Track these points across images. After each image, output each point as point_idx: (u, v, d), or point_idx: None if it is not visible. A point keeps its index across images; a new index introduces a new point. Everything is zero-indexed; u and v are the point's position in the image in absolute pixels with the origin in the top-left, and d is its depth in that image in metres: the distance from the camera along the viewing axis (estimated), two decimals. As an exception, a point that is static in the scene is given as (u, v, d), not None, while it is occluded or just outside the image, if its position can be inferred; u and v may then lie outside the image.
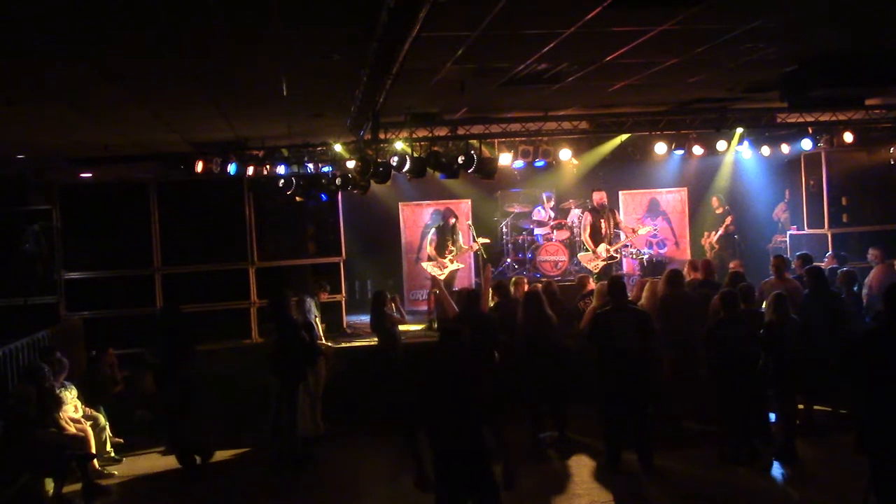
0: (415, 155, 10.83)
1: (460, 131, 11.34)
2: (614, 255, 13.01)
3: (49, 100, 8.22)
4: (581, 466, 8.21)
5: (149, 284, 12.01)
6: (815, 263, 10.08)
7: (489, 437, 5.24)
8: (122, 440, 9.26)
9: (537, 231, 14.73)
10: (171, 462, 9.06)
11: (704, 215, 15.48)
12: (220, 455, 9.34)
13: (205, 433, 9.00)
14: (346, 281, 13.23)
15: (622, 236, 13.79)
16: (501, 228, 14.95)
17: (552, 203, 15.00)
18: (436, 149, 11.00)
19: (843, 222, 13.44)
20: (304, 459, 8.80)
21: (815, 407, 9.14)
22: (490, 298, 10.14)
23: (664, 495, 7.51)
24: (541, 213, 14.91)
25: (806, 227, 13.90)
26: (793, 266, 10.76)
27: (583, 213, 13.94)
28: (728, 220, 14.39)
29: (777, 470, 7.93)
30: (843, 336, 8.67)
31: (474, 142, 11.01)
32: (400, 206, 14.82)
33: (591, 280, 11.17)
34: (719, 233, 14.21)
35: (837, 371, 5.83)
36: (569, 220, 14.80)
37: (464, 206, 14.61)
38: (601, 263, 12.73)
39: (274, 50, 6.69)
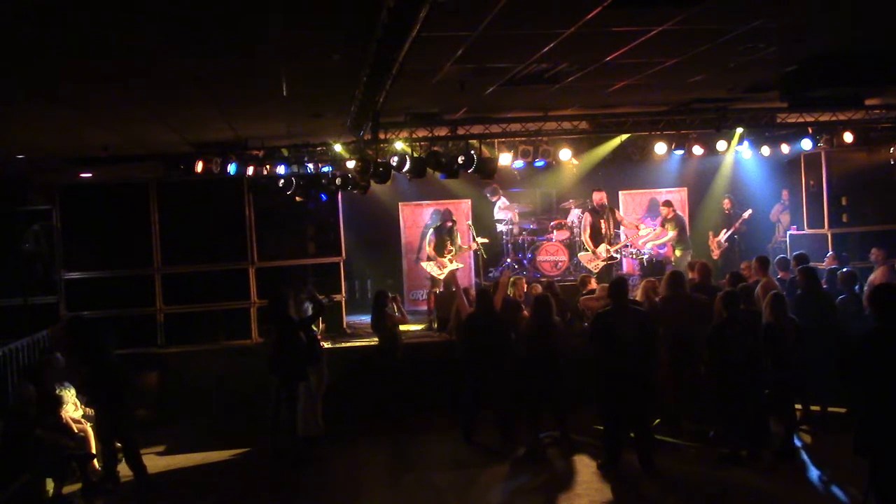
0: (415, 155, 10.83)
1: (460, 131, 11.33)
2: (614, 255, 13.02)
3: (49, 100, 8.22)
4: (581, 466, 8.21)
5: (149, 284, 12.00)
6: (812, 264, 10.09)
7: None
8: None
9: (501, 227, 14.69)
10: (170, 462, 9.09)
11: (704, 216, 15.46)
12: (220, 455, 9.36)
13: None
14: (346, 281, 13.22)
15: (622, 236, 13.79)
16: (501, 228, 14.93)
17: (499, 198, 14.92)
18: (436, 149, 10.99)
19: (843, 222, 13.42)
20: (304, 459, 8.81)
21: (815, 407, 9.16)
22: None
23: (664, 495, 7.51)
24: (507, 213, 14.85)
25: (806, 228, 13.89)
26: (790, 266, 10.76)
27: (583, 213, 13.94)
28: (740, 219, 14.18)
29: (777, 470, 7.93)
30: (836, 336, 8.70)
31: (474, 142, 11.01)
32: (400, 206, 14.82)
33: (592, 280, 11.17)
34: (729, 232, 14.10)
35: (836, 371, 5.84)
36: (569, 220, 14.80)
37: (464, 206, 14.61)
38: (601, 263, 12.73)
39: (274, 50, 6.70)
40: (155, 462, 8.95)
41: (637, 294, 9.77)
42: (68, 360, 8.72)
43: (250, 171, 12.64)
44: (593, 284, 10.75)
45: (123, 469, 8.53)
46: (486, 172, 11.07)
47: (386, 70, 6.69)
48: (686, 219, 15.12)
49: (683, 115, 11.67)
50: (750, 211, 14.10)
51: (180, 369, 11.10)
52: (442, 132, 11.42)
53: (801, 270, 9.50)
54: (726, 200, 14.64)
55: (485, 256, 13.58)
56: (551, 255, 14.22)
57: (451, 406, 9.70)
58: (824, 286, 10.12)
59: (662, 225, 13.33)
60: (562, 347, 8.99)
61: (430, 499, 7.79)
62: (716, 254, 13.89)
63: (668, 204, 13.46)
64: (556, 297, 9.82)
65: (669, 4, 6.05)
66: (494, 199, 14.83)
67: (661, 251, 13.52)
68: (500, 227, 14.69)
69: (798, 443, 8.42)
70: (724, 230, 14.09)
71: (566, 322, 9.73)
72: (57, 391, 8.40)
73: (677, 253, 13.19)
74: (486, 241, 13.71)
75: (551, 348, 8.81)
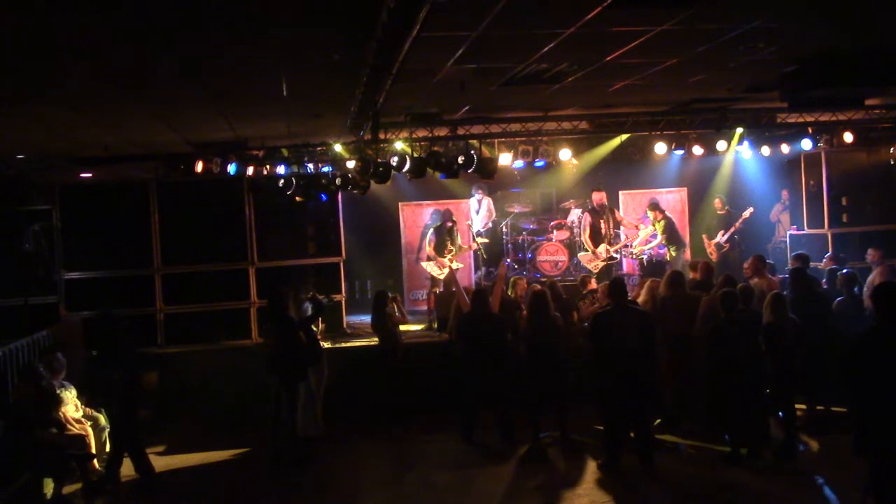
0: (415, 155, 10.83)
1: (460, 131, 11.34)
2: (614, 255, 13.02)
3: (49, 100, 8.22)
4: (581, 466, 8.21)
5: (149, 284, 11.99)
6: (811, 264, 10.09)
7: None
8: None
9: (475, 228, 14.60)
10: (170, 462, 9.09)
11: (705, 216, 15.45)
12: (220, 455, 9.36)
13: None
14: (346, 281, 13.21)
15: (622, 236, 13.78)
16: (501, 228, 14.94)
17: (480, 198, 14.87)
18: (436, 149, 10.99)
19: (843, 222, 13.42)
20: (304, 459, 8.81)
21: (816, 407, 9.16)
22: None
23: (664, 495, 7.52)
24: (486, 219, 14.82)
25: (806, 228, 13.88)
26: (788, 266, 10.77)
27: (583, 213, 13.94)
28: (741, 219, 14.08)
29: (776, 470, 7.93)
30: (833, 336, 8.70)
31: (474, 142, 11.01)
32: (400, 206, 14.82)
33: (592, 280, 11.16)
34: (730, 232, 14.05)
35: (836, 370, 5.85)
36: (569, 220, 14.80)
37: (464, 206, 14.60)
38: (601, 264, 12.73)
39: (274, 50, 6.70)
40: (155, 462, 8.91)
41: (641, 294, 9.74)
42: (98, 357, 8.68)
43: (250, 171, 12.65)
44: (593, 284, 10.73)
45: (123, 469, 8.55)
46: (486, 172, 11.07)
47: (386, 70, 6.70)
48: (685, 218, 15.18)
49: (683, 115, 11.68)
50: (751, 209, 14.06)
51: (180, 369, 11.10)
52: (442, 132, 11.42)
53: (791, 272, 9.52)
54: (717, 200, 14.59)
55: (485, 256, 13.57)
56: (551, 255, 14.22)
57: (451, 406, 9.70)
58: (824, 287, 10.14)
59: (653, 225, 13.36)
60: (563, 343, 9.00)
61: (430, 499, 7.80)
62: (714, 256, 13.85)
63: (654, 207, 13.49)
64: (560, 298, 9.82)
65: (669, 4, 6.05)
66: (479, 195, 14.74)
67: (661, 251, 13.52)
68: (478, 227, 14.48)
69: (798, 443, 8.41)
70: (721, 231, 14.03)
71: (570, 322, 9.73)
72: (57, 391, 8.40)
73: (672, 252, 13.21)
74: (486, 241, 13.70)
75: (552, 345, 8.82)
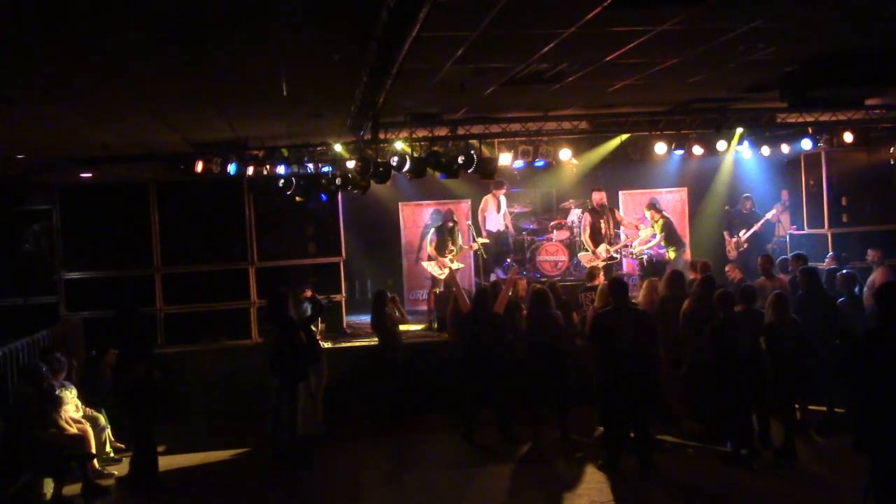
0: (415, 155, 10.82)
1: (460, 131, 11.33)
2: (614, 255, 13.02)
3: (49, 100, 8.21)
4: (581, 466, 8.21)
5: (149, 284, 12.00)
6: (812, 264, 10.09)
7: None
8: (123, 445, 9.21)
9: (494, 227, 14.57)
10: (170, 462, 9.08)
11: (704, 216, 15.44)
12: (220, 455, 9.36)
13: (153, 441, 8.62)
14: (346, 281, 13.22)
15: (622, 236, 13.78)
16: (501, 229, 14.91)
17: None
18: (436, 149, 10.98)
19: (843, 222, 13.41)
20: (304, 459, 8.81)
21: (815, 407, 9.15)
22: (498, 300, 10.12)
23: (664, 495, 7.52)
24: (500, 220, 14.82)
25: (806, 227, 13.88)
26: (789, 267, 10.76)
27: (583, 213, 13.94)
28: (763, 219, 14.08)
29: (777, 470, 7.93)
30: (840, 336, 8.70)
31: (474, 142, 11.00)
32: (400, 206, 14.81)
33: (601, 273, 11.13)
34: (751, 231, 14.02)
35: (836, 371, 5.85)
36: (569, 220, 14.79)
37: (464, 206, 14.59)
38: (601, 264, 12.72)
39: (274, 50, 6.70)
40: (155, 462, 8.95)
41: (641, 294, 9.74)
42: (122, 352, 8.67)
43: (250, 171, 12.64)
44: (601, 279, 10.69)
45: (121, 469, 8.55)
46: (486, 172, 11.06)
47: (386, 70, 6.69)
48: (685, 218, 15.18)
49: (683, 115, 11.67)
50: (773, 211, 14.09)
51: (180, 369, 11.10)
52: (442, 132, 11.41)
53: (802, 271, 9.50)
54: (748, 202, 14.51)
55: (485, 256, 13.57)
56: (551, 255, 14.20)
57: (451, 406, 9.70)
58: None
59: (652, 226, 13.37)
60: (564, 341, 8.99)
61: (430, 499, 7.80)
62: (732, 254, 13.87)
63: (651, 207, 13.48)
64: (560, 298, 9.81)
65: (669, 4, 6.05)
66: (498, 192, 14.67)
67: (661, 251, 13.51)
68: (494, 228, 14.49)
69: (798, 443, 8.41)
70: (744, 231, 14.02)
71: (570, 322, 9.72)
72: (57, 391, 8.40)
73: (671, 254, 13.21)
74: (486, 241, 13.70)
75: (552, 344, 8.81)
